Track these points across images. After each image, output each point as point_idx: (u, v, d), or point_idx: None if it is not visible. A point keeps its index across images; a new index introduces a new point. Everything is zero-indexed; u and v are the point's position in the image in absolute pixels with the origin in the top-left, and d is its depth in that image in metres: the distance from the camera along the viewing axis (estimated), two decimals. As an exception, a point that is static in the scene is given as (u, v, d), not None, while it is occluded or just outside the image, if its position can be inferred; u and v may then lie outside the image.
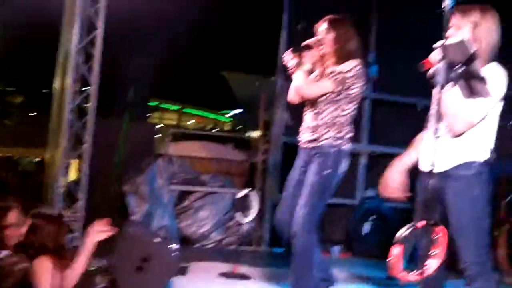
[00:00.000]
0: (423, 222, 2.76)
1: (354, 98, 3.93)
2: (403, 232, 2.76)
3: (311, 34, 4.04)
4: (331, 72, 3.89)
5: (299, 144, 4.09)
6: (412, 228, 2.76)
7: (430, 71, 2.85)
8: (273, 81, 6.91)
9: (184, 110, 23.12)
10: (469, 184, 3.10)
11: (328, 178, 3.86)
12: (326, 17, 4.00)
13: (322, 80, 3.92)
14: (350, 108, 3.94)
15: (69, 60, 5.78)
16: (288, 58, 4.01)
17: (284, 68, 4.21)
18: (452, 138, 3.12)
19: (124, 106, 6.47)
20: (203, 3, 7.54)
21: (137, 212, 6.25)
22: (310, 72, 4.03)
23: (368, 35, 7.11)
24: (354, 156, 7.32)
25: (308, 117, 4.02)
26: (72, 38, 5.72)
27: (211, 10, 7.93)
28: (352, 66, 3.88)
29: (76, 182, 5.86)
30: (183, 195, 6.78)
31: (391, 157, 3.37)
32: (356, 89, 3.90)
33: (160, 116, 22.24)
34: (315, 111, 3.95)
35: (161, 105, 21.59)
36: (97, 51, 5.78)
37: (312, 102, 3.98)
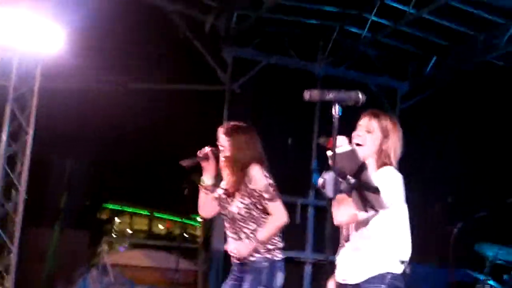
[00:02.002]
0: None
1: None
2: None
3: None
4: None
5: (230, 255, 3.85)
6: None
7: (320, 181, 2.72)
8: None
9: (155, 214, 22.82)
10: (382, 299, 2.93)
11: None
12: (224, 125, 3.88)
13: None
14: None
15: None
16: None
17: None
18: (356, 250, 2.98)
19: (55, 213, 6.28)
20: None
21: (65, 326, 5.92)
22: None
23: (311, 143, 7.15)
24: (298, 264, 7.25)
25: (230, 234, 3.74)
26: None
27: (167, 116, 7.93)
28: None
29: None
30: (117, 307, 6.48)
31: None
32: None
33: (130, 221, 21.88)
34: (235, 229, 3.70)
35: (130, 210, 21.31)
36: (26, 158, 5.65)
37: (231, 220, 3.77)
